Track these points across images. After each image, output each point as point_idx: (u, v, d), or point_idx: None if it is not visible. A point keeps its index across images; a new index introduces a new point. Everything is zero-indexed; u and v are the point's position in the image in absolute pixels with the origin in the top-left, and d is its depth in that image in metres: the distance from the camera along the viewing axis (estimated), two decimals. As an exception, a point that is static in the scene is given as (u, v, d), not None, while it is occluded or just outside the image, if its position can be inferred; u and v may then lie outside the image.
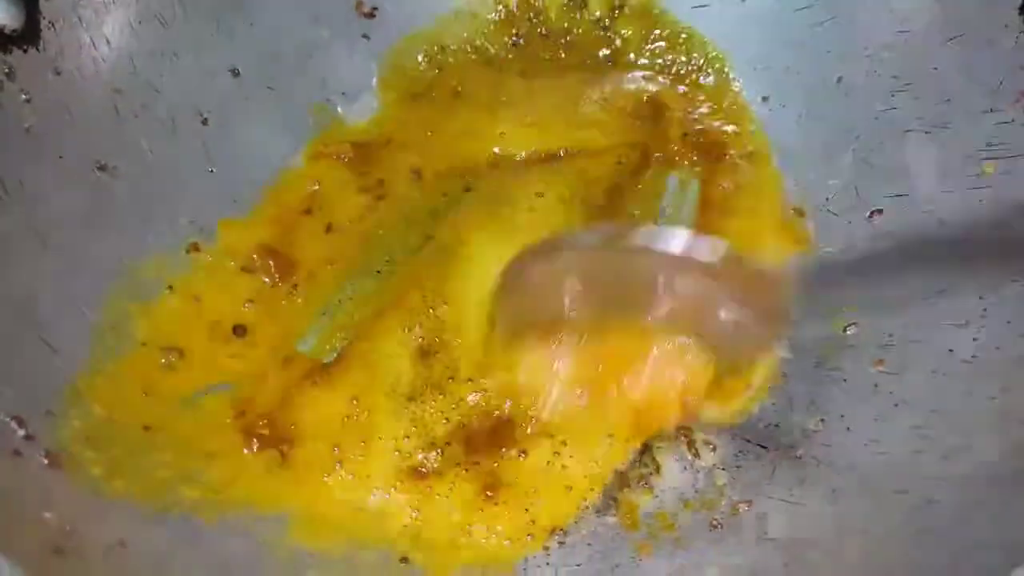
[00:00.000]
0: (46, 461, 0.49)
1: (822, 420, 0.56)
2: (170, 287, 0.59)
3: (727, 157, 0.65)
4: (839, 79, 0.62)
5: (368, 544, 0.55)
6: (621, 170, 0.65)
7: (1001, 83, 0.54)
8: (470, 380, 0.58)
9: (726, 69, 0.66)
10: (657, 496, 0.57)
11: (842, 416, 0.56)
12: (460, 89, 0.68)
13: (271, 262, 0.61)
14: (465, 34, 0.68)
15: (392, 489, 0.56)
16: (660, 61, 0.67)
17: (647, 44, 0.67)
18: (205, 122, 0.62)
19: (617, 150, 0.65)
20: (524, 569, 0.55)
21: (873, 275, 0.50)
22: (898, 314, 0.55)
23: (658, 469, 0.57)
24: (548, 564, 0.55)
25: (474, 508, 0.56)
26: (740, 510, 0.55)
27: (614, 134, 0.66)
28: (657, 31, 0.67)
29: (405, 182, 0.65)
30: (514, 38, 0.69)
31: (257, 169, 0.64)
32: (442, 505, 0.56)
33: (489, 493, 0.56)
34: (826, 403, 0.57)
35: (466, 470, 0.56)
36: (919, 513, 0.49)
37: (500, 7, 0.68)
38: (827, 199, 0.62)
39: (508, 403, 0.57)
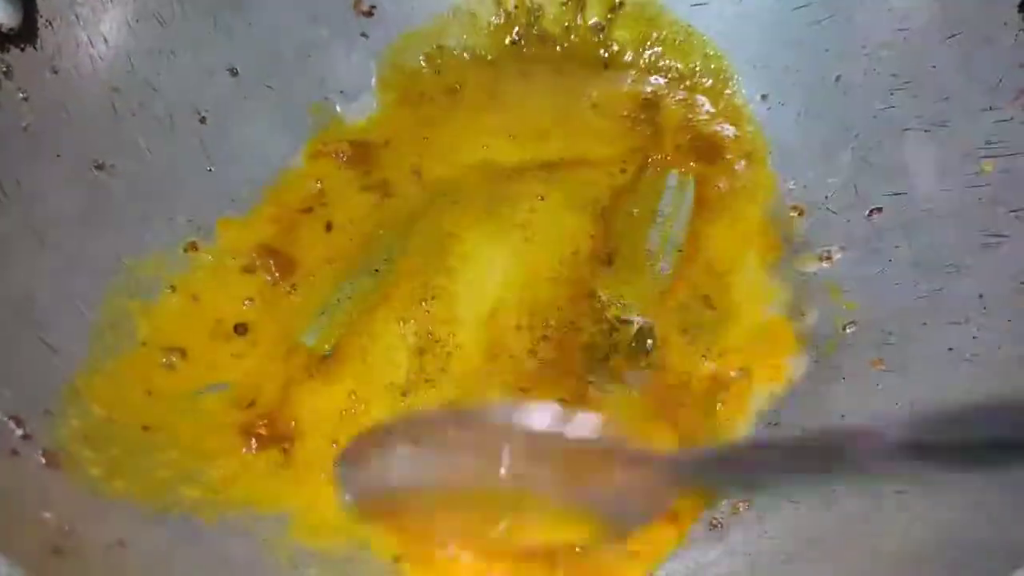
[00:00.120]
0: (44, 461, 0.48)
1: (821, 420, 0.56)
2: (171, 287, 0.59)
3: (724, 158, 0.65)
4: (838, 77, 0.62)
5: (368, 544, 0.54)
6: (623, 177, 0.65)
7: (1000, 81, 0.54)
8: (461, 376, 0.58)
9: (724, 68, 0.66)
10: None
11: (842, 416, 0.56)
12: (459, 89, 0.68)
13: (271, 261, 0.61)
14: (464, 35, 0.68)
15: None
16: (659, 62, 0.67)
17: (646, 43, 0.67)
18: (203, 121, 0.62)
19: (618, 158, 0.66)
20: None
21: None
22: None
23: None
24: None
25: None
26: (740, 509, 0.55)
27: (614, 140, 0.66)
28: (656, 31, 0.67)
29: (404, 181, 0.65)
30: (513, 38, 0.69)
31: (256, 168, 0.64)
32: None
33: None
34: (825, 402, 0.57)
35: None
36: (919, 514, 0.49)
37: (499, 9, 0.68)
38: (826, 197, 0.62)
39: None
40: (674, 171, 0.65)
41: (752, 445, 0.52)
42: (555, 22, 0.68)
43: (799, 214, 0.63)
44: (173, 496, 0.52)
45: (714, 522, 0.55)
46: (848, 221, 0.61)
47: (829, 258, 0.61)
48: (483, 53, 0.69)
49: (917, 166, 0.58)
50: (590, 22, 0.68)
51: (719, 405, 0.58)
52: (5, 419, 0.48)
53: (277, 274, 0.61)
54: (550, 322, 0.59)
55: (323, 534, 0.54)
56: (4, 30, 0.52)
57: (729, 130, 0.66)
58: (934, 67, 0.57)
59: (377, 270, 0.61)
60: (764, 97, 0.66)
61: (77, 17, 0.56)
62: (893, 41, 0.59)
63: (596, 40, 0.68)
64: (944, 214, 0.57)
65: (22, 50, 0.53)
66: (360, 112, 0.67)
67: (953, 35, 0.56)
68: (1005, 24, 0.54)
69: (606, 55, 0.68)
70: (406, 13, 0.67)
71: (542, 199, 0.63)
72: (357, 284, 0.61)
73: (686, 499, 0.55)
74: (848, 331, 0.59)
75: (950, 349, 0.53)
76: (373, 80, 0.68)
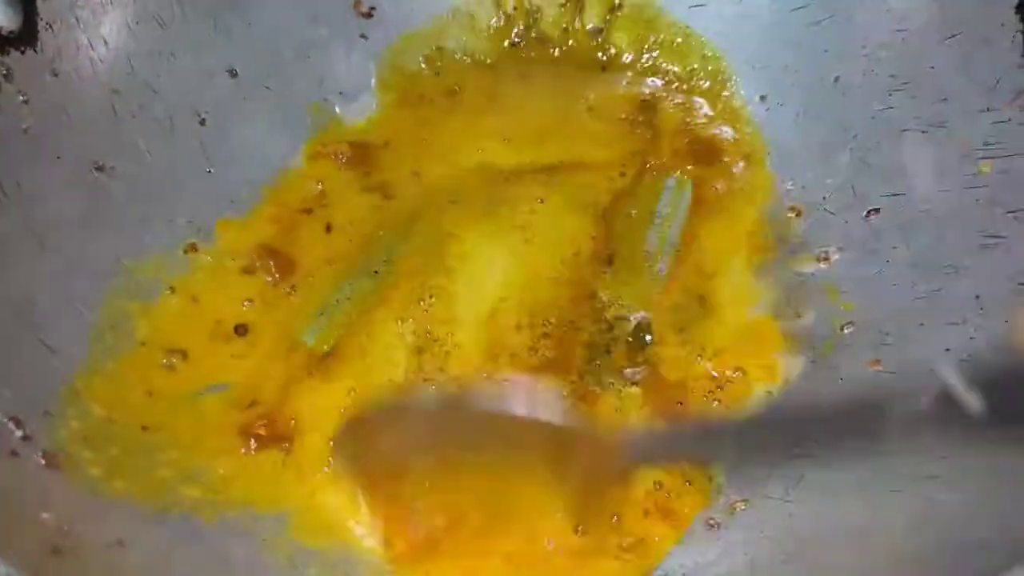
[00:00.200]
0: (44, 462, 0.49)
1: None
2: (171, 288, 0.59)
3: (722, 160, 0.65)
4: (836, 78, 0.62)
5: (368, 540, 0.55)
6: (622, 180, 0.65)
7: (998, 82, 0.54)
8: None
9: (723, 69, 0.66)
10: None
11: (840, 415, 0.56)
12: (458, 91, 0.68)
13: (271, 262, 0.61)
14: (463, 37, 0.68)
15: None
16: (657, 64, 0.67)
17: (645, 45, 0.67)
18: (203, 122, 0.62)
19: (617, 161, 0.66)
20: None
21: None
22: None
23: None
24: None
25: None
26: (737, 509, 0.55)
27: (611, 143, 0.67)
28: (654, 34, 0.67)
29: (404, 183, 0.65)
30: (512, 40, 0.69)
31: (255, 169, 0.64)
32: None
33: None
34: (823, 402, 0.57)
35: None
36: (917, 513, 0.49)
37: (498, 11, 0.68)
38: (824, 198, 0.62)
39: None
40: (673, 173, 0.65)
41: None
42: (554, 24, 0.68)
43: (797, 215, 0.63)
44: (173, 496, 0.53)
45: (712, 522, 0.55)
46: (846, 222, 0.61)
47: (827, 259, 0.61)
48: (482, 55, 0.69)
49: (915, 167, 0.58)
50: (588, 25, 0.68)
51: (715, 403, 0.58)
52: (5, 420, 0.48)
53: (277, 275, 0.61)
54: (550, 320, 0.60)
55: (322, 534, 0.54)
56: (4, 33, 0.52)
57: (727, 132, 0.66)
58: (932, 68, 0.57)
59: (376, 271, 0.61)
60: (763, 98, 0.66)
61: (77, 20, 0.56)
62: (892, 42, 0.59)
63: (594, 43, 0.68)
64: (942, 215, 0.57)
65: (22, 53, 0.53)
66: (359, 113, 0.67)
67: (951, 36, 0.56)
68: (1003, 25, 0.54)
69: (604, 57, 0.68)
70: (405, 15, 0.67)
71: (541, 201, 0.63)
72: (356, 285, 0.61)
73: (683, 495, 0.56)
74: (846, 332, 0.59)
75: (947, 350, 0.53)
76: (372, 81, 0.68)
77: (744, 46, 0.66)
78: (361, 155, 0.66)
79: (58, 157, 0.55)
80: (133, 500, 0.51)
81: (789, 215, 0.63)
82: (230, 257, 0.61)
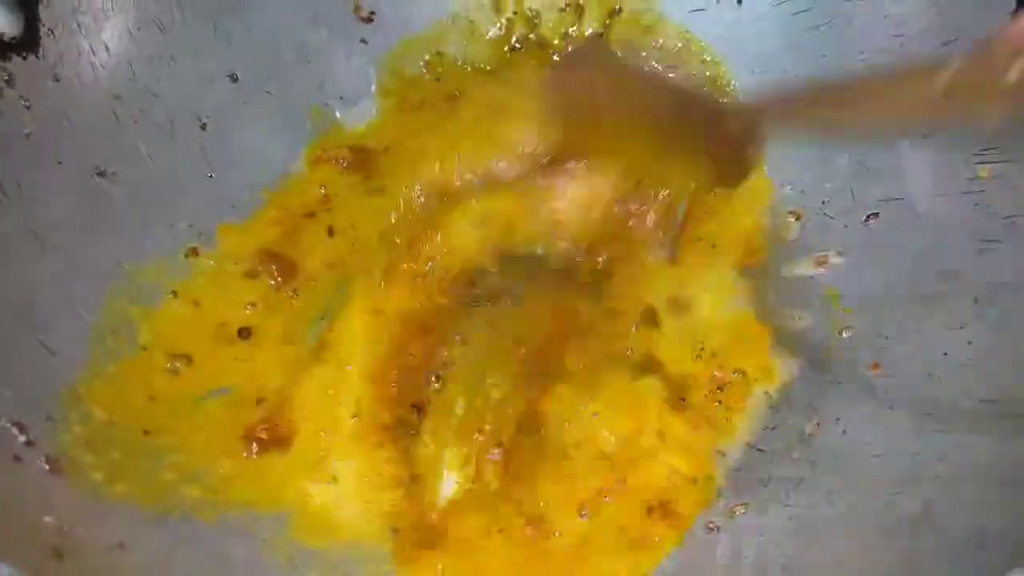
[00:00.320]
0: (47, 466, 0.49)
1: (818, 423, 0.56)
2: (173, 292, 0.59)
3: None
4: (835, 83, 0.62)
5: (367, 541, 0.55)
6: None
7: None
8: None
9: (722, 74, 0.66)
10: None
11: (838, 419, 0.56)
12: (458, 96, 0.68)
13: (273, 266, 0.61)
14: (463, 42, 0.69)
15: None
16: (658, 67, 0.67)
17: (644, 50, 0.67)
18: (204, 127, 0.62)
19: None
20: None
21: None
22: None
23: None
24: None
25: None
26: (737, 512, 0.55)
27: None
28: (654, 38, 0.67)
29: (404, 186, 0.65)
30: (512, 45, 0.69)
31: (256, 174, 0.64)
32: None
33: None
34: (822, 406, 0.57)
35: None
36: (916, 515, 0.49)
37: (498, 16, 0.68)
38: (823, 202, 0.62)
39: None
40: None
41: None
42: (553, 29, 0.68)
43: (796, 219, 0.63)
44: (174, 498, 0.53)
45: (711, 525, 0.55)
46: (845, 226, 0.61)
47: (826, 263, 0.61)
48: (482, 60, 0.69)
49: (914, 171, 0.58)
50: (588, 29, 0.68)
51: (716, 404, 0.58)
52: (8, 425, 0.48)
53: (279, 278, 0.61)
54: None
55: (323, 534, 0.55)
56: (6, 39, 0.53)
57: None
58: (931, 72, 0.58)
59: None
60: (762, 102, 0.66)
61: (79, 25, 0.56)
62: (890, 47, 0.59)
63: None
64: (940, 219, 0.57)
65: (24, 58, 0.54)
66: (359, 118, 0.67)
67: (949, 41, 0.56)
68: (1000, 30, 0.54)
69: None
70: (405, 19, 0.67)
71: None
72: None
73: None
74: (845, 335, 0.59)
75: (945, 354, 0.54)
76: (373, 86, 0.68)
77: (743, 51, 0.66)
78: (361, 160, 0.66)
79: (59, 162, 0.56)
80: (134, 503, 0.51)
81: (788, 219, 0.63)
82: (232, 261, 0.61)
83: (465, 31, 0.68)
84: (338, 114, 0.67)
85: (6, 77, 0.53)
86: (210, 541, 0.52)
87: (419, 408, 0.58)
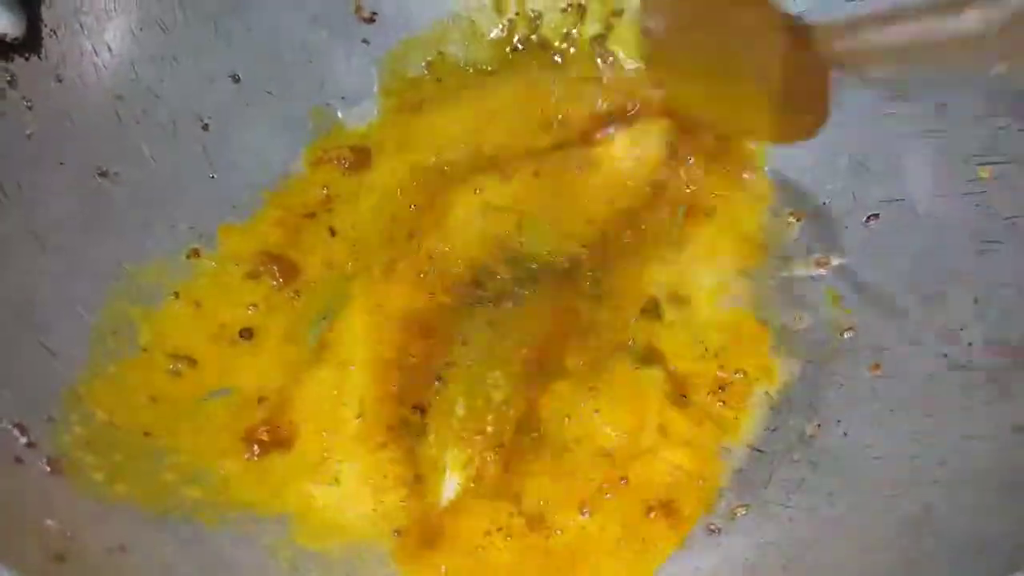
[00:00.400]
0: (48, 468, 0.49)
1: (819, 425, 0.57)
2: (174, 293, 0.59)
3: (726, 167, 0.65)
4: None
5: (369, 542, 0.55)
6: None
7: (997, 88, 0.54)
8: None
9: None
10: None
11: (839, 421, 0.56)
12: (459, 96, 0.68)
13: (274, 267, 0.61)
14: (464, 42, 0.69)
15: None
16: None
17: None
18: (206, 127, 0.62)
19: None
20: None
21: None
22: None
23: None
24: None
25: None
26: (738, 514, 0.55)
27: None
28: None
29: (405, 185, 0.65)
30: (514, 45, 0.69)
31: (257, 174, 0.64)
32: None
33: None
34: (823, 408, 0.57)
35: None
36: (916, 517, 0.49)
37: (499, 16, 0.68)
38: (824, 203, 0.62)
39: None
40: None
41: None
42: (555, 30, 0.68)
43: (797, 219, 0.63)
44: (175, 500, 0.53)
45: (712, 527, 0.55)
46: (846, 227, 0.61)
47: (827, 264, 0.61)
48: (483, 60, 0.69)
49: (914, 172, 0.58)
50: (590, 31, 0.68)
51: (719, 404, 0.58)
52: (9, 427, 0.48)
53: (280, 279, 0.61)
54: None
55: (324, 536, 0.55)
56: (8, 39, 0.53)
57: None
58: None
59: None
60: (763, 103, 0.66)
61: (81, 26, 0.56)
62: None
63: (595, 48, 0.68)
64: (941, 220, 0.57)
65: (26, 59, 0.54)
66: (361, 118, 0.67)
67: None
68: (1002, 32, 0.54)
69: (607, 62, 0.68)
70: (407, 19, 0.67)
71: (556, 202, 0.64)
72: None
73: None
74: (845, 336, 0.59)
75: (946, 355, 0.54)
76: (374, 86, 0.68)
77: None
78: (363, 160, 0.66)
79: (61, 162, 0.56)
80: (135, 504, 0.51)
81: (789, 219, 0.63)
82: (233, 262, 0.61)
83: (467, 32, 0.68)
84: (339, 114, 0.67)
85: (8, 78, 0.53)
86: (212, 544, 0.52)
87: (421, 409, 0.58)
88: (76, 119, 0.56)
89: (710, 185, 0.65)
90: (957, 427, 0.51)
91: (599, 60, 0.68)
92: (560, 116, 0.67)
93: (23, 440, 0.48)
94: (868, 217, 0.60)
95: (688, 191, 0.64)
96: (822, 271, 0.61)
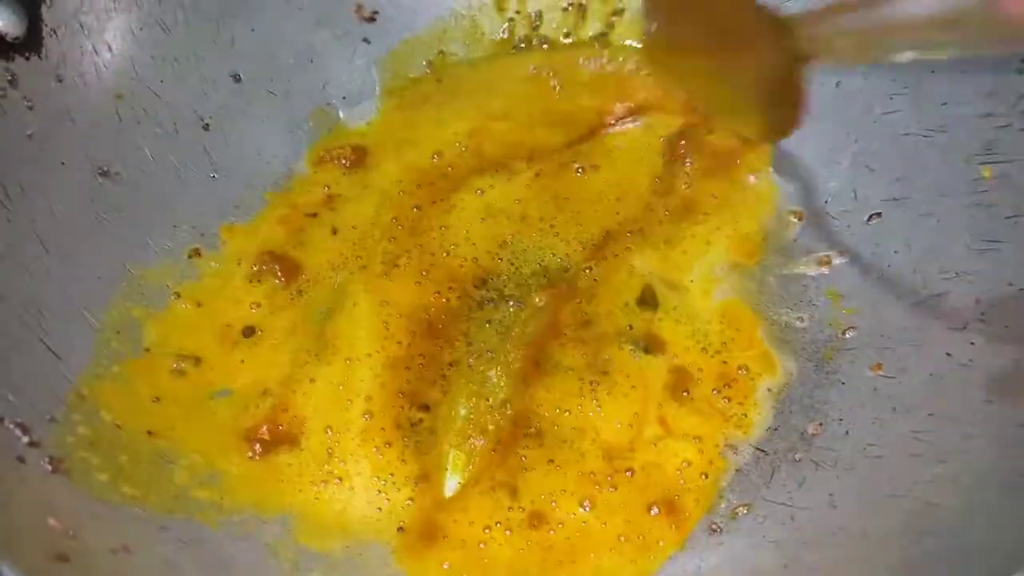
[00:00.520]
0: (50, 468, 0.49)
1: (820, 424, 0.56)
2: (176, 293, 0.60)
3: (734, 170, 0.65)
4: (838, 83, 0.62)
5: (371, 542, 0.55)
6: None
7: (999, 87, 0.54)
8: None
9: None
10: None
11: (840, 420, 0.56)
12: (460, 95, 0.68)
13: (276, 266, 0.61)
14: (465, 41, 0.69)
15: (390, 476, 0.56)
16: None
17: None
18: (207, 127, 0.62)
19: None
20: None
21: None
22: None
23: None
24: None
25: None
26: (739, 513, 0.55)
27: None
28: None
29: (406, 185, 0.65)
30: (515, 44, 0.69)
31: (259, 174, 0.64)
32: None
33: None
34: (824, 407, 0.57)
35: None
36: (918, 517, 0.49)
37: (500, 15, 0.68)
38: (826, 202, 0.62)
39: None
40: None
41: None
42: (556, 30, 0.68)
43: (798, 219, 0.63)
44: (178, 500, 0.53)
45: (714, 526, 0.55)
46: (848, 226, 0.61)
47: (828, 263, 0.61)
48: (484, 59, 0.69)
49: (916, 172, 0.58)
50: (590, 30, 0.68)
51: (724, 401, 0.58)
52: (11, 427, 0.48)
53: (283, 279, 0.61)
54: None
55: (328, 535, 0.55)
56: (9, 39, 0.53)
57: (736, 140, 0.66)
58: (933, 72, 0.57)
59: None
60: (764, 102, 0.66)
61: (82, 26, 0.56)
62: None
63: (596, 48, 0.68)
64: (943, 219, 0.57)
65: (27, 59, 0.54)
66: (362, 117, 0.67)
67: (953, 41, 0.56)
68: (1004, 30, 0.54)
69: (607, 62, 0.68)
70: (408, 19, 0.67)
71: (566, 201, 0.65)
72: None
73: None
74: (848, 336, 0.59)
75: (948, 354, 0.53)
76: (375, 85, 0.68)
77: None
78: (364, 159, 0.66)
79: (62, 163, 0.56)
80: (139, 504, 0.51)
81: (790, 219, 0.63)
82: (235, 262, 0.61)
83: (467, 31, 0.68)
84: (341, 114, 0.67)
85: (9, 77, 0.53)
86: (214, 545, 0.52)
87: (426, 408, 0.58)
88: (77, 119, 0.56)
89: (710, 185, 0.65)
90: (958, 427, 0.51)
91: (600, 59, 0.68)
92: (561, 116, 0.67)
93: (25, 439, 0.48)
94: (870, 216, 0.60)
95: (688, 191, 0.64)
96: (824, 270, 0.61)
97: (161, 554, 0.49)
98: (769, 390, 0.59)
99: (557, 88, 0.68)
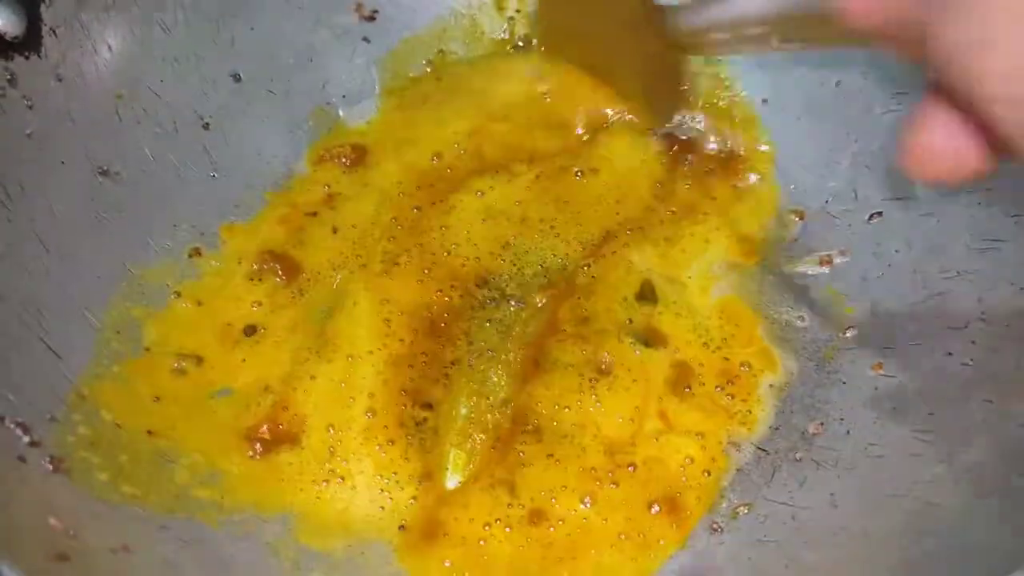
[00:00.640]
0: (51, 467, 0.49)
1: (821, 423, 0.56)
2: (177, 292, 0.60)
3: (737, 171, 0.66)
4: (838, 82, 0.62)
5: (373, 541, 0.55)
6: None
7: (1000, 86, 0.54)
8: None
9: (725, 73, 0.66)
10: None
11: (841, 419, 0.56)
12: (460, 94, 0.68)
13: (277, 265, 0.61)
14: (465, 40, 0.69)
15: (393, 475, 0.56)
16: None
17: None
18: (207, 127, 0.62)
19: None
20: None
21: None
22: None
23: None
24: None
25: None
26: (740, 513, 0.55)
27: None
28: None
29: (407, 184, 0.65)
30: (515, 43, 0.69)
31: (259, 173, 0.64)
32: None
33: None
34: (825, 406, 0.57)
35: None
36: (918, 517, 0.49)
37: (500, 14, 0.68)
38: (826, 201, 0.63)
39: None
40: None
41: None
42: (557, 30, 0.68)
43: (799, 218, 0.63)
44: (179, 500, 0.53)
45: (715, 526, 0.55)
46: (849, 225, 0.61)
47: (829, 262, 0.61)
48: (484, 58, 0.69)
49: (917, 171, 0.58)
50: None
51: (728, 398, 0.58)
52: (12, 426, 0.48)
53: (284, 278, 0.61)
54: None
55: (329, 534, 0.54)
56: (8, 38, 0.53)
57: (739, 143, 0.66)
58: (934, 71, 0.57)
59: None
60: (764, 101, 0.66)
61: (81, 25, 0.56)
62: (893, 46, 0.59)
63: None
64: (944, 219, 0.57)
65: (27, 58, 0.54)
66: (361, 116, 0.67)
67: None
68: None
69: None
70: (407, 18, 0.68)
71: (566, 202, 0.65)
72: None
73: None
74: (848, 335, 0.59)
75: (949, 354, 0.53)
76: (375, 84, 0.68)
77: (745, 50, 0.66)
78: (363, 158, 0.66)
79: (62, 162, 0.56)
80: (139, 504, 0.51)
81: (791, 218, 0.63)
82: (236, 261, 0.61)
83: (467, 30, 0.68)
84: (341, 113, 0.67)
85: (8, 77, 0.53)
86: (214, 544, 0.52)
87: (428, 406, 0.58)
88: (77, 118, 0.56)
89: (711, 185, 0.65)
90: (959, 426, 0.51)
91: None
92: (559, 119, 0.67)
93: (25, 439, 0.48)
94: (871, 215, 0.60)
95: (689, 191, 0.64)
96: (824, 269, 0.61)
97: (161, 554, 0.49)
98: (771, 386, 0.59)
99: (558, 91, 0.68)
